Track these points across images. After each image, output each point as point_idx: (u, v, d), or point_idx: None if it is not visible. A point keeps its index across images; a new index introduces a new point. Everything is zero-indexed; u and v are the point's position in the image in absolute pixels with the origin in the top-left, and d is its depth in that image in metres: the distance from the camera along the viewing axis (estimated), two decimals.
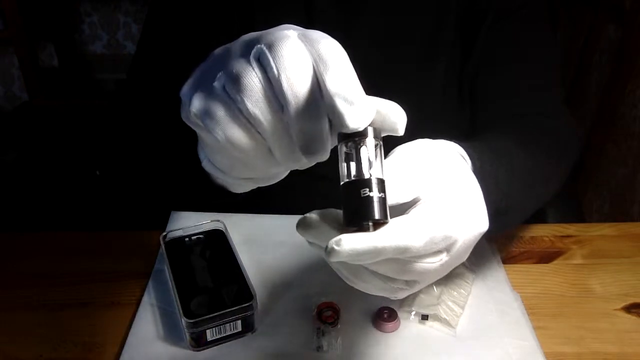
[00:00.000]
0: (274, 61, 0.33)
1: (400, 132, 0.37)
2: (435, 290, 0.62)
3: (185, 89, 0.37)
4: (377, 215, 0.33)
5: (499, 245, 0.71)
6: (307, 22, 0.68)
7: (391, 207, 0.36)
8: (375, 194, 0.34)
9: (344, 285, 0.40)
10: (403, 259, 0.35)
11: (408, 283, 0.38)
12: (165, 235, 0.66)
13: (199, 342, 0.56)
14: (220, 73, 0.35)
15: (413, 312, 0.60)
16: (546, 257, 0.70)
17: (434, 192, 0.38)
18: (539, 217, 0.88)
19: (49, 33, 2.32)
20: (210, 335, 0.56)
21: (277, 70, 0.33)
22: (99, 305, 0.64)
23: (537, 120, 0.68)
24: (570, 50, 1.74)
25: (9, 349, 0.58)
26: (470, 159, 0.45)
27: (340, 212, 0.35)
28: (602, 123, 1.58)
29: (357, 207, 0.34)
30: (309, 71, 0.33)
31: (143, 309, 0.62)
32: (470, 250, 0.41)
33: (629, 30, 1.46)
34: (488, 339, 0.58)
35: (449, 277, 0.63)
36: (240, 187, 0.42)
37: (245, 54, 0.34)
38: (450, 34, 0.70)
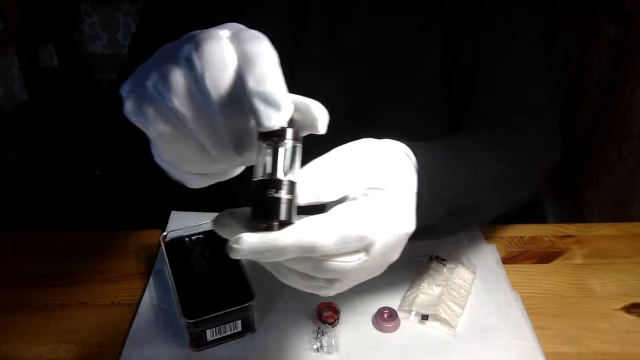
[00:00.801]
0: (198, 60, 0.34)
1: (321, 130, 0.37)
2: (435, 290, 0.62)
3: (124, 86, 0.37)
4: (281, 217, 0.34)
5: (499, 245, 0.71)
6: (293, 17, 0.68)
7: (321, 206, 0.36)
8: (283, 195, 0.34)
9: None
10: (315, 257, 0.36)
11: (329, 281, 0.38)
12: (165, 235, 0.66)
13: (199, 342, 0.56)
14: (153, 71, 0.36)
15: (413, 312, 0.60)
16: (546, 257, 0.70)
17: (361, 191, 0.38)
18: (539, 217, 0.88)
19: (49, 33, 2.31)
20: (210, 335, 0.56)
21: (201, 69, 0.34)
22: (99, 305, 0.64)
23: (520, 120, 0.67)
24: (570, 50, 1.74)
25: (9, 349, 0.58)
26: (416, 157, 0.44)
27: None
28: (602, 123, 1.58)
29: (263, 206, 0.34)
30: (232, 70, 0.34)
31: (143, 309, 0.62)
32: (399, 250, 0.40)
33: (629, 30, 1.47)
34: (488, 339, 0.58)
35: (449, 277, 0.63)
36: (194, 182, 0.42)
37: (177, 53, 0.35)
38: (439, 31, 0.69)
